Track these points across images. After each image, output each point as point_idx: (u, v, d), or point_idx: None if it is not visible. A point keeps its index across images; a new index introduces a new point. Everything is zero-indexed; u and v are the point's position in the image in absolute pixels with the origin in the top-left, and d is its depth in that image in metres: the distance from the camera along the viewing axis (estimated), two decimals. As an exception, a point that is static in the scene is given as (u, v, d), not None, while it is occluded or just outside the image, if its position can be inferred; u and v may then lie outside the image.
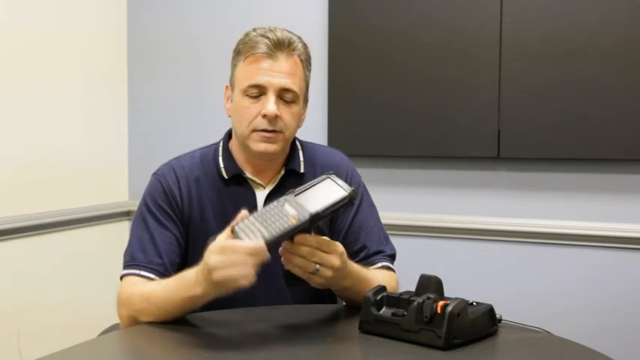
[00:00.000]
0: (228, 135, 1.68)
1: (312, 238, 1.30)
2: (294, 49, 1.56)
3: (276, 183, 1.62)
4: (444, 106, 2.55)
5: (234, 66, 1.60)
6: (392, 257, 1.66)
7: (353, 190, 1.28)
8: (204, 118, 2.94)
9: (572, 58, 2.38)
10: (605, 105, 2.35)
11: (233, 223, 1.28)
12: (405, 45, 2.59)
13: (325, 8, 2.72)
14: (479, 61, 2.49)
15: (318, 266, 1.31)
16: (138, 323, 1.46)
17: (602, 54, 2.35)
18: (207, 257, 1.28)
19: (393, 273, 1.63)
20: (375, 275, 1.55)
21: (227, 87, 1.64)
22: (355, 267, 1.46)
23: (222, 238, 1.28)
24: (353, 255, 1.59)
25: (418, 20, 2.57)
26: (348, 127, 2.68)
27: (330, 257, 1.32)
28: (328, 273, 1.33)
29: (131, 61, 3.09)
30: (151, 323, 1.44)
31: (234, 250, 1.24)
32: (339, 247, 1.35)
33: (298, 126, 1.63)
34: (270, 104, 1.52)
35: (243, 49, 1.57)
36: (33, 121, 2.63)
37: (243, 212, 1.30)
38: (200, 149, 1.69)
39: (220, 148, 1.65)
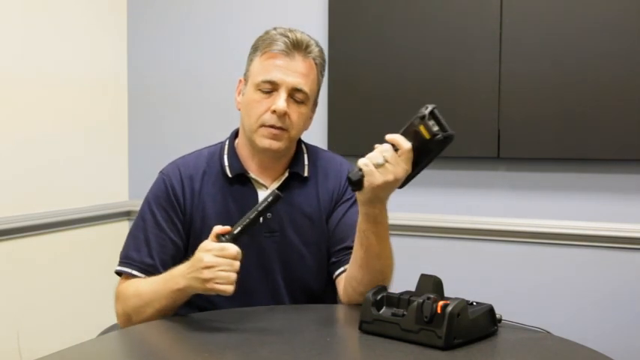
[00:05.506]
0: (235, 134, 1.69)
1: (402, 141, 1.39)
2: (310, 52, 1.59)
3: (279, 184, 1.62)
4: (444, 106, 2.53)
5: (250, 60, 1.62)
6: None
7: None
8: (205, 120, 2.94)
9: (572, 58, 2.38)
10: (605, 105, 2.35)
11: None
12: (405, 45, 2.59)
13: (325, 8, 2.72)
14: (479, 61, 2.49)
15: (383, 160, 1.36)
16: (131, 320, 1.49)
17: (602, 54, 2.35)
18: (201, 255, 1.37)
19: None
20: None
21: (240, 80, 1.65)
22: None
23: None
24: (342, 251, 1.60)
25: (418, 20, 2.57)
26: (348, 127, 2.68)
27: (400, 164, 1.37)
28: (389, 176, 1.36)
29: (131, 62, 3.09)
30: (150, 323, 1.44)
31: (230, 254, 1.36)
32: (409, 167, 1.38)
33: (305, 128, 1.64)
34: (280, 101, 1.54)
35: (261, 45, 1.59)
36: (32, 121, 2.63)
37: None
38: (208, 147, 1.70)
39: (226, 147, 1.66)
